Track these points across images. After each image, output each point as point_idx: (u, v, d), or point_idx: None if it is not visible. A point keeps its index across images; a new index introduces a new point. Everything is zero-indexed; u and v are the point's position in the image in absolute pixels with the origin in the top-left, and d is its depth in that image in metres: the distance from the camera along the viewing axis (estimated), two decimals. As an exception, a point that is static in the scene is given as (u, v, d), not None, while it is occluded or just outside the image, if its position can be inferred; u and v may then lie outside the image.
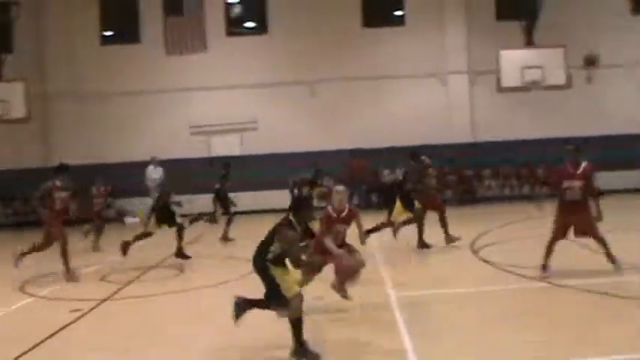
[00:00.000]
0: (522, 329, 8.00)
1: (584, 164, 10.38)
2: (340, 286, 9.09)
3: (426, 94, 24.03)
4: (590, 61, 23.33)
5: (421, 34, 24.11)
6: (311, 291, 8.78)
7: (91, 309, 9.98)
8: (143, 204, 18.59)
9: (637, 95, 23.47)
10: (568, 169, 10.38)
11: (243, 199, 18.98)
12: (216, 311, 8.91)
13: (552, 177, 10.93)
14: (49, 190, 12.34)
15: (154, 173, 22.92)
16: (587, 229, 10.32)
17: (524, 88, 20.74)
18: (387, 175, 22.72)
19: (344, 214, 9.36)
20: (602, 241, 10.34)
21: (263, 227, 7.87)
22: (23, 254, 12.68)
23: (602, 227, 10.24)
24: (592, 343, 7.29)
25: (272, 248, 7.37)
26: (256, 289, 7.61)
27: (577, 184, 10.28)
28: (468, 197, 23.46)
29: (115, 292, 11.19)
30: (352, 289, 9.14)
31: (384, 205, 18.59)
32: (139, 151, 23.54)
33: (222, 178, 17.15)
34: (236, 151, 24.11)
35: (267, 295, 7.48)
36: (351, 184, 22.67)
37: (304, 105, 24.39)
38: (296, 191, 14.94)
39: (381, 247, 13.98)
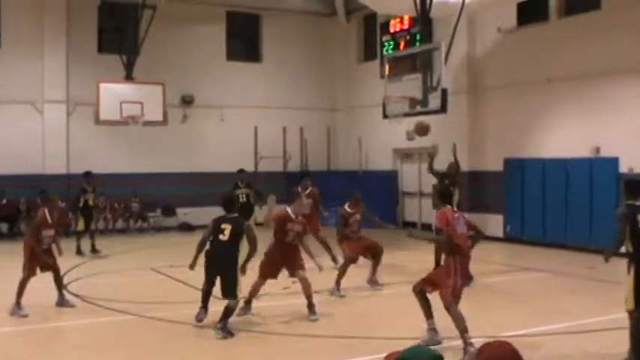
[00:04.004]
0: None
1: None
2: None
3: (21, 121, 22.70)
4: (187, 101, 24.39)
5: (18, 58, 22.76)
6: None
7: None
8: None
9: (226, 136, 24.84)
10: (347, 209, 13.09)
11: None
12: None
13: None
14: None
15: None
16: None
17: (123, 122, 20.82)
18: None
19: None
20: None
21: None
22: None
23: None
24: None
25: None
26: None
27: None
28: (64, 231, 22.61)
29: None
30: None
31: None
32: None
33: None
34: None
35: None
36: None
37: None
38: None
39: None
